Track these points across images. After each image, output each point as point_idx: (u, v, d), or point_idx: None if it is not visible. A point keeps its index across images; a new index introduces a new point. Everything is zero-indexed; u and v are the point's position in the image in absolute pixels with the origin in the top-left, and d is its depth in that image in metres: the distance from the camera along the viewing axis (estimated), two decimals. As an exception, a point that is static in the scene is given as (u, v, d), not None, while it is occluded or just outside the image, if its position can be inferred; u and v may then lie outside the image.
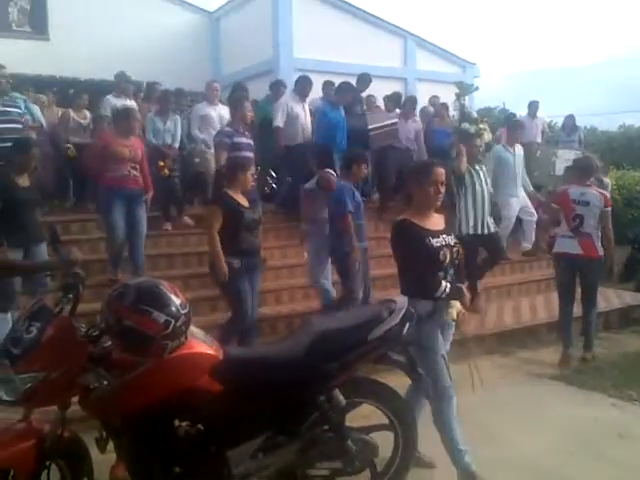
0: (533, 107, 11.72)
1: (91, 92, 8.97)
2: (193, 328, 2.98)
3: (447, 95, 12.07)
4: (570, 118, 12.07)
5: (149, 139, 7.83)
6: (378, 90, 10.25)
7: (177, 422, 3.00)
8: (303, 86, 8.43)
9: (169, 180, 7.74)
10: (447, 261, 3.57)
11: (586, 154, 7.82)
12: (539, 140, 11.35)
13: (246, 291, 5.26)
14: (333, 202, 5.94)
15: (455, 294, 3.62)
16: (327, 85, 9.16)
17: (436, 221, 3.70)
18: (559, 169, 9.20)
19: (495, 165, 8.30)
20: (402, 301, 3.35)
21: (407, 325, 3.25)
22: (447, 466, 3.65)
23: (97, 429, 3.00)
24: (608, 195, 6.28)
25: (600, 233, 5.99)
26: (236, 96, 7.73)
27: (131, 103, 8.32)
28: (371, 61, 13.15)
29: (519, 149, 8.52)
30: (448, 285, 3.55)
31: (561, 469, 3.70)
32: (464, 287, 3.73)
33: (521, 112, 11.91)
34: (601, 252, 5.96)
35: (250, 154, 6.63)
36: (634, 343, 6.88)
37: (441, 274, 3.56)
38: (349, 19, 13.57)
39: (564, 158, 9.60)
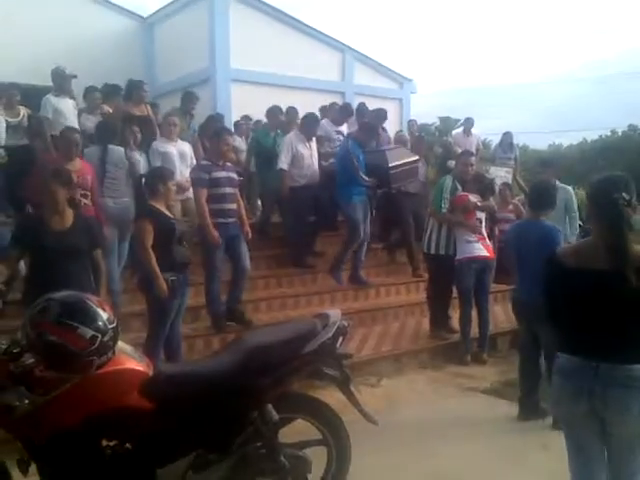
0: (468, 124, 11.92)
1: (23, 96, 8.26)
2: (122, 344, 2.90)
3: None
4: (507, 135, 12.09)
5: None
6: (315, 104, 10.13)
7: (104, 442, 2.90)
8: (310, 125, 7.99)
9: None
10: None
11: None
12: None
13: (172, 308, 5.16)
14: (545, 241, 4.66)
15: None
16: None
17: None
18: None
19: None
20: (335, 314, 3.32)
21: (341, 339, 3.24)
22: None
23: (18, 451, 2.85)
24: None
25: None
26: (214, 129, 7.01)
27: (72, 103, 7.89)
28: (309, 74, 13.22)
29: None
30: None
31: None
32: None
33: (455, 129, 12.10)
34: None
35: (231, 190, 6.17)
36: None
37: None
38: (287, 30, 13.56)
39: (496, 175, 9.85)
